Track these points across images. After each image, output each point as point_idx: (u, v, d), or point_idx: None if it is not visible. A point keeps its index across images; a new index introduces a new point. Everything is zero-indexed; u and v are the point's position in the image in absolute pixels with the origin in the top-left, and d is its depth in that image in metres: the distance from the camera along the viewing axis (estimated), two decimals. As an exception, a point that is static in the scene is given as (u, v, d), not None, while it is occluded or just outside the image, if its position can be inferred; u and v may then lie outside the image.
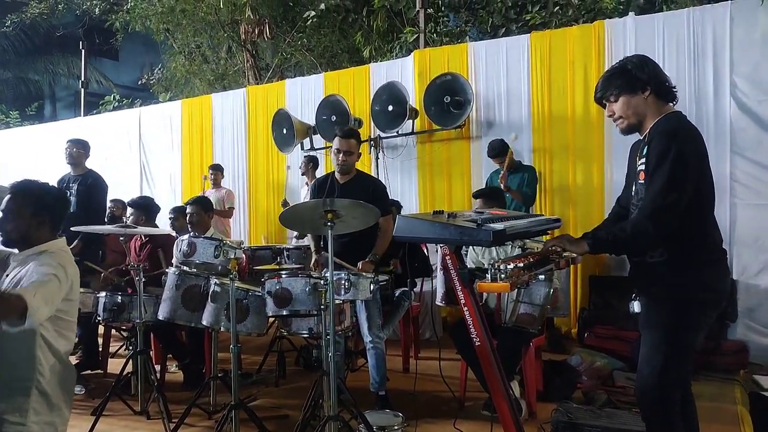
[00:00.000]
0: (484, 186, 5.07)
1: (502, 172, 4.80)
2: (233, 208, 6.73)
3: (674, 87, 2.05)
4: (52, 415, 2.05)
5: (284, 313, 2.88)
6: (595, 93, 2.12)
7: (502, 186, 4.58)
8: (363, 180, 3.59)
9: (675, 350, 1.95)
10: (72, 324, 2.16)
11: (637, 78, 1.99)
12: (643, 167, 1.97)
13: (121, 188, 7.33)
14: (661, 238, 1.92)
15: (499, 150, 4.94)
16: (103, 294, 3.70)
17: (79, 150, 4.79)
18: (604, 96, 2.08)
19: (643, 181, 1.98)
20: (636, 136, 2.17)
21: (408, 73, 6.06)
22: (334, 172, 3.59)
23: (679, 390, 1.99)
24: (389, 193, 5.74)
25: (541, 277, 3.03)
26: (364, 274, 3.12)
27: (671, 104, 2.04)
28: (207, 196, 6.06)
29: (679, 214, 1.88)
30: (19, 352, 2.01)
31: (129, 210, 5.01)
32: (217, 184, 6.65)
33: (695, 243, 1.95)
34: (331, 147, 3.65)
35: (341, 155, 3.45)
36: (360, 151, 3.58)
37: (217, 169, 6.71)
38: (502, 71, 5.52)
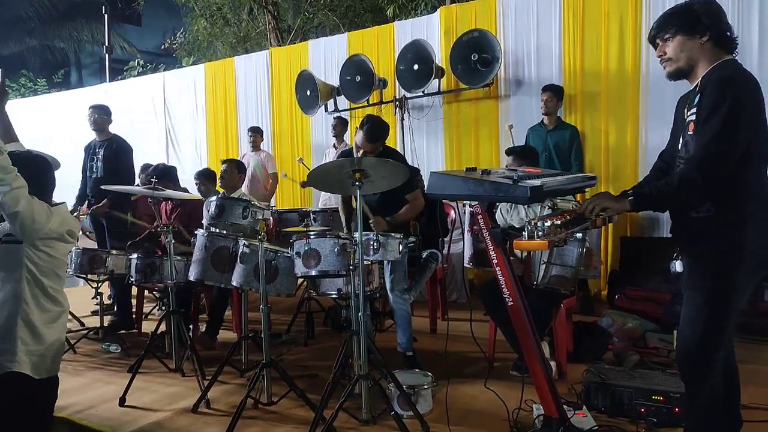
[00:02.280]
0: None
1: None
2: (276, 173, 6.46)
3: (736, 37, 1.92)
4: (39, 346, 2.13)
5: (313, 273, 2.88)
6: (650, 30, 2.01)
7: None
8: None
9: (719, 312, 1.88)
10: (61, 266, 2.23)
11: (698, 20, 1.87)
12: (693, 117, 1.86)
13: (147, 153, 7.39)
14: (710, 190, 1.83)
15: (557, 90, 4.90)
16: (134, 256, 3.77)
17: (101, 115, 4.81)
18: (658, 34, 1.97)
19: (692, 133, 1.87)
20: (678, 92, 2.06)
21: (434, 30, 5.88)
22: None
23: (721, 352, 1.92)
24: (415, 156, 5.71)
25: (578, 235, 2.96)
26: (393, 234, 3.10)
27: (730, 56, 1.92)
28: (247, 159, 6.10)
29: (729, 166, 1.78)
30: (4, 275, 2.10)
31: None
32: (256, 147, 6.45)
33: (746, 198, 1.85)
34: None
35: (361, 152, 3.31)
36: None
37: (256, 132, 6.51)
38: (532, 27, 5.33)
